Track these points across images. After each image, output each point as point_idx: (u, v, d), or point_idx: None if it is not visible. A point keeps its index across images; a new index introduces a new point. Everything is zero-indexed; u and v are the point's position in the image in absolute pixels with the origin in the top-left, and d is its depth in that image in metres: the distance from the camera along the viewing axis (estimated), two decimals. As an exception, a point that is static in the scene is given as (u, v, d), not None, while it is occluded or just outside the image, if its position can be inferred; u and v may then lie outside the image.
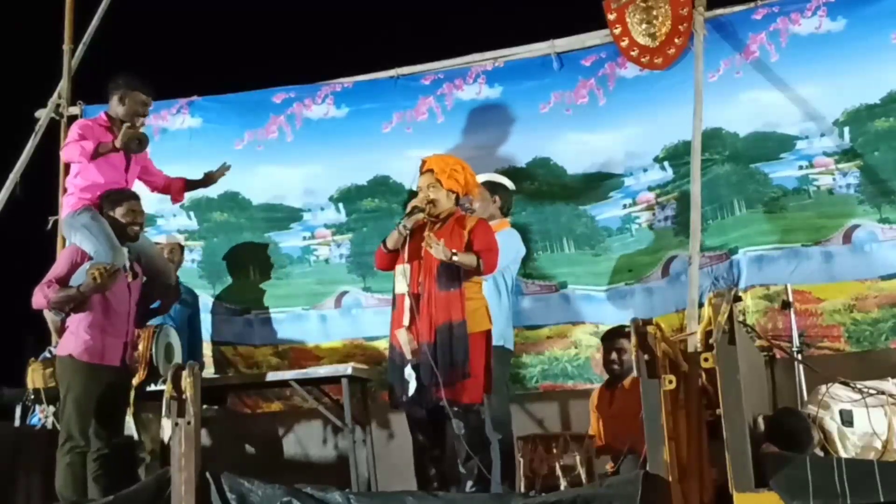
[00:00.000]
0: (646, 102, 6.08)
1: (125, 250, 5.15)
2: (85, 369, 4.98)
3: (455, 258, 4.78)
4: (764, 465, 3.72)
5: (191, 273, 6.72)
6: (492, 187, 5.67)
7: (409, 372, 4.82)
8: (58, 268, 5.13)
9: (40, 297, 5.05)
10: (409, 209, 5.01)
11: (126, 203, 5.21)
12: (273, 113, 6.77)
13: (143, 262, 5.33)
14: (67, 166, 5.73)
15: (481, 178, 5.62)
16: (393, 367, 4.95)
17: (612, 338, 5.57)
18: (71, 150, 5.23)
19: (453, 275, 4.83)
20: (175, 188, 5.83)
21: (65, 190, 5.58)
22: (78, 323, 5.04)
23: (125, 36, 8.01)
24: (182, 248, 6.44)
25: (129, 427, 5.76)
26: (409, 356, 4.81)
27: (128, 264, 5.14)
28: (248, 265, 6.77)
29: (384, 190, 6.54)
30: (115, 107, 5.42)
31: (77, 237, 5.19)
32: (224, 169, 5.90)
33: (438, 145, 6.25)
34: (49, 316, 5.42)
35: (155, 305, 5.52)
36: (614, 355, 5.49)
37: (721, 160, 5.87)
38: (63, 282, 5.03)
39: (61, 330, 5.21)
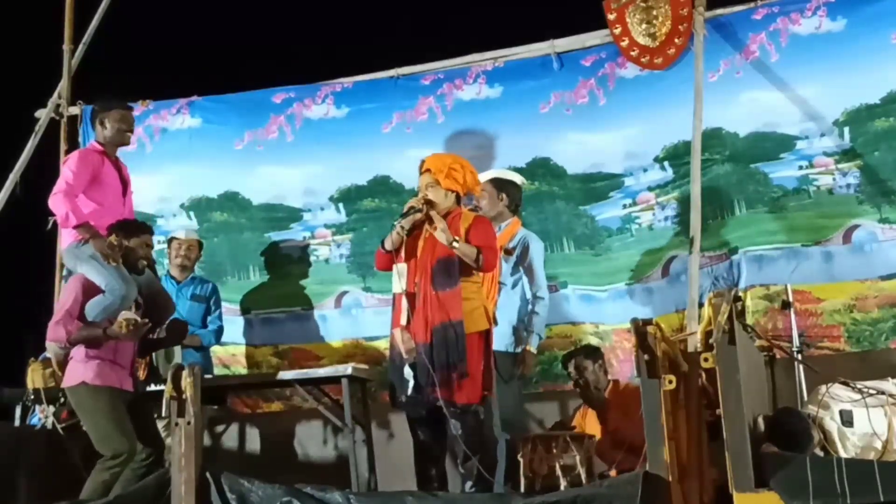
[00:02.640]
0: (646, 102, 6.09)
1: (134, 284, 5.05)
2: (104, 390, 4.89)
3: (455, 244, 4.78)
4: (764, 465, 3.72)
5: (191, 273, 6.71)
6: (499, 185, 5.62)
7: (407, 371, 4.83)
8: (68, 302, 4.98)
9: (60, 332, 4.92)
10: (405, 209, 5.01)
11: (143, 236, 5.15)
12: (273, 113, 6.76)
13: (143, 294, 5.20)
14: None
15: (488, 174, 5.63)
16: (393, 367, 4.94)
17: (570, 358, 5.61)
18: (58, 205, 5.14)
19: (450, 274, 4.81)
20: None
21: None
22: (85, 352, 4.93)
23: (125, 36, 7.99)
24: (201, 244, 6.41)
25: None
26: (405, 355, 4.81)
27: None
28: (248, 265, 6.78)
29: (384, 190, 6.53)
30: (101, 132, 5.41)
31: (84, 268, 5.06)
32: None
33: (438, 145, 6.27)
34: (52, 348, 5.28)
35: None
36: (575, 374, 5.53)
37: (721, 160, 5.88)
38: (80, 316, 4.92)
39: (64, 363, 5.06)
